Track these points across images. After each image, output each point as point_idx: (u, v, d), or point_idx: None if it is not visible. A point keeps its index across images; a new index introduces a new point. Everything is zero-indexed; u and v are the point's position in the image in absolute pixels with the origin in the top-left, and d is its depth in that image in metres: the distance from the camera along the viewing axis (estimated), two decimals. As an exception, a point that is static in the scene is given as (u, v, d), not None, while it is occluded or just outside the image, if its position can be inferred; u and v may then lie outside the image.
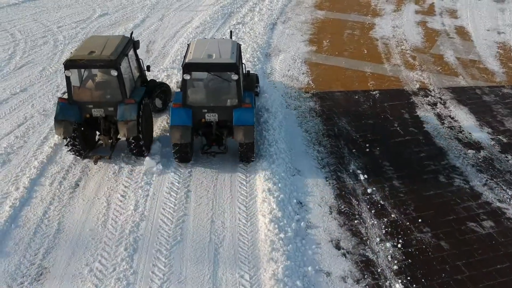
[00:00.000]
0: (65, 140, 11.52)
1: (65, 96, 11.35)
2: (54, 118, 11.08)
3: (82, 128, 11.53)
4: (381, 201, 10.57)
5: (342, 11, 23.59)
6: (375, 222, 9.97)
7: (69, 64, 10.85)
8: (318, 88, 15.75)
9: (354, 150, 12.41)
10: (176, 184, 11.01)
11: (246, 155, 11.38)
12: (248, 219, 9.95)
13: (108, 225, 9.76)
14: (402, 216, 10.16)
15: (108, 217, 10.00)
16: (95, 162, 11.56)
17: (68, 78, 10.98)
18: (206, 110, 10.99)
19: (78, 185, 11.04)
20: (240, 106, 10.96)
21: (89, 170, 11.51)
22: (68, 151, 11.70)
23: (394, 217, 10.15)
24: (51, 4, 24.59)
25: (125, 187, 10.93)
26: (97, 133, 11.98)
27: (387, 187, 11.04)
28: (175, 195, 10.66)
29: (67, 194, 10.73)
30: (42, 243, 9.33)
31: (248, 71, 13.50)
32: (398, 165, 11.79)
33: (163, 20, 22.11)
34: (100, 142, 12.02)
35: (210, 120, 11.10)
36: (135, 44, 12.56)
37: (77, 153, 11.72)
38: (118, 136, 11.56)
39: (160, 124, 13.43)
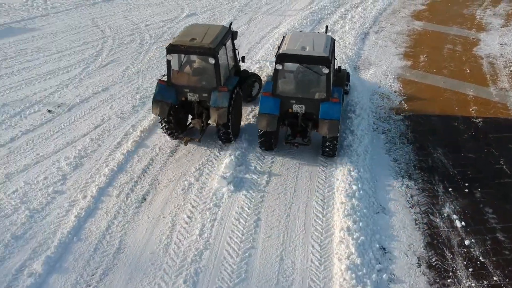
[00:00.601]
0: (160, 120, 12.11)
1: (165, 78, 11.87)
2: (153, 98, 11.67)
3: (177, 111, 12.03)
4: (481, 258, 8.97)
5: (443, 23, 21.55)
6: (473, 285, 8.42)
7: (171, 49, 11.43)
8: (411, 110, 14.18)
9: (450, 189, 10.81)
10: (246, 209, 10.11)
11: (329, 150, 11.40)
12: (322, 261, 8.82)
13: (170, 250, 9.06)
14: (507, 280, 8.52)
15: (171, 240, 9.30)
16: (185, 144, 12.04)
17: (168, 62, 11.56)
18: (294, 101, 11.15)
19: (145, 199, 10.48)
20: (327, 100, 10.97)
21: (158, 184, 10.94)
22: (162, 129, 12.27)
23: (496, 280, 8.54)
24: (142, 1, 24.80)
25: (193, 207, 10.21)
26: (190, 116, 12.56)
27: (489, 240, 9.39)
28: (244, 222, 9.77)
29: (132, 208, 10.20)
30: (101, 262, 8.81)
31: (340, 66, 13.37)
32: (504, 214, 10.07)
33: (250, 23, 21.42)
34: (191, 125, 12.39)
35: (297, 111, 11.25)
36: (233, 35, 12.83)
37: (169, 133, 12.28)
38: (209, 121, 12.03)
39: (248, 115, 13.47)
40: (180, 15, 22.69)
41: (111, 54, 18.24)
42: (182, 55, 11.90)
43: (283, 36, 12.40)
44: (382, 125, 13.39)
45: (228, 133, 11.84)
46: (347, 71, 14.30)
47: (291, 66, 11.59)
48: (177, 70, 11.89)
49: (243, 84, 13.40)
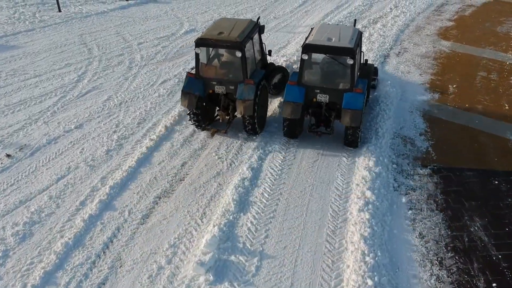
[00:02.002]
0: (188, 111, 12.37)
1: (193, 71, 12.21)
2: (181, 90, 12.04)
3: (204, 103, 12.33)
4: None
5: (474, 43, 18.91)
6: None
7: (199, 42, 11.72)
8: (440, 161, 11.68)
9: (495, 285, 8.31)
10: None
11: (351, 139, 11.67)
12: None
13: None
14: None
15: None
16: (212, 135, 12.54)
17: (197, 55, 11.85)
18: (318, 91, 11.45)
19: (101, 292, 8.20)
20: (351, 91, 11.17)
21: (120, 266, 8.66)
22: (190, 121, 12.60)
23: None
24: (139, 14, 22.65)
25: (159, 306, 7.90)
26: (217, 108, 12.87)
27: None
28: None
29: (82, 307, 7.92)
30: None
31: (366, 60, 13.39)
32: None
33: (254, 43, 19.04)
34: (218, 117, 12.69)
35: (321, 100, 11.54)
36: (260, 29, 13.07)
37: (197, 125, 12.60)
38: (236, 114, 12.41)
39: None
40: (178, 31, 20.44)
41: (94, 79, 16.06)
42: (210, 49, 12.18)
43: (311, 28, 12.77)
44: (405, 183, 10.92)
45: (254, 125, 12.13)
46: (375, 66, 14.40)
47: (317, 56, 11.90)
48: (205, 63, 12.23)
49: (271, 78, 13.76)
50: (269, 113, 13.48)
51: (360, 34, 12.33)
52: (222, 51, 12.65)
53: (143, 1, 24.60)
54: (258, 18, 13.78)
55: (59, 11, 22.82)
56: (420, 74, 16.31)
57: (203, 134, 12.76)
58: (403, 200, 10.34)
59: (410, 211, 10.02)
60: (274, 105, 14.05)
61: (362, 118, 11.48)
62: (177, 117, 13.49)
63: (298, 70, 11.71)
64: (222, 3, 24.31)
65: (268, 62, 14.11)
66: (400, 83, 15.57)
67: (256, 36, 12.85)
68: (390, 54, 17.88)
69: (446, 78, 16.06)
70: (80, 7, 23.77)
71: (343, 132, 11.87)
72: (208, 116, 12.82)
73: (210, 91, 12.17)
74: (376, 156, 11.50)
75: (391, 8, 22.78)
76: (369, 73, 13.07)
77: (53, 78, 16.08)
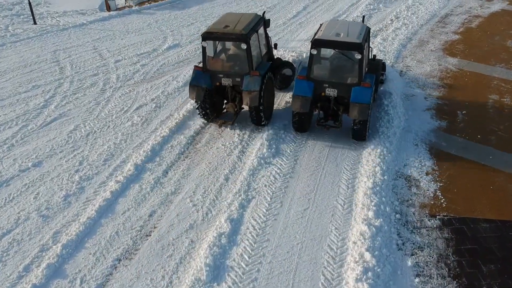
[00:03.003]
0: (196, 104, 12.71)
1: (200, 64, 12.43)
2: (189, 83, 12.36)
3: (212, 95, 12.59)
4: None
5: (483, 61, 17.26)
6: None
7: (206, 36, 12.01)
8: (451, 209, 10.04)
9: None
10: None
11: (359, 133, 11.87)
12: None
13: None
14: None
15: None
16: (220, 126, 12.87)
17: (204, 49, 12.09)
18: (327, 85, 11.64)
19: None
20: (359, 85, 11.36)
21: None
22: (198, 114, 12.91)
23: None
24: (120, 27, 21.00)
25: None
26: (225, 102, 13.07)
27: None
28: None
29: None
30: None
31: (374, 55, 13.65)
32: None
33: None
34: (226, 109, 12.99)
35: (330, 94, 11.74)
36: (265, 23, 13.35)
37: (205, 117, 12.88)
38: (242, 106, 12.69)
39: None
40: (160, 46, 18.80)
41: (62, 104, 14.43)
42: (217, 42, 12.40)
43: (320, 24, 12.90)
44: (410, 239, 9.26)
45: (260, 116, 12.33)
46: (383, 61, 14.45)
47: (325, 51, 12.12)
48: (212, 56, 12.43)
49: (276, 71, 14.03)
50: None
51: (368, 30, 12.59)
52: (228, 44, 12.96)
53: (125, 12, 22.97)
54: (264, 12, 14.28)
55: (34, 23, 21.20)
56: (425, 98, 14.65)
57: (177, 175, 11.13)
58: (409, 263, 8.69)
59: (417, 279, 8.37)
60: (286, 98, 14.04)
61: (370, 112, 11.70)
62: (149, 152, 11.86)
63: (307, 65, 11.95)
64: (210, 14, 22.68)
65: (275, 57, 14.43)
66: (403, 109, 13.90)
67: (261, 30, 13.13)
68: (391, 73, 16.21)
69: (454, 102, 14.41)
70: (57, 19, 22.13)
71: (351, 126, 12.00)
72: (216, 108, 13.07)
73: (217, 84, 12.44)
74: (377, 204, 9.86)
75: (391, 20, 21.15)
76: (377, 68, 13.14)
77: (17, 103, 14.44)
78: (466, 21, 21.42)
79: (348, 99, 11.55)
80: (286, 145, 12.18)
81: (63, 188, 10.70)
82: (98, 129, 13.10)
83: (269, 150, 11.84)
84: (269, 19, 13.62)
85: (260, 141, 12.25)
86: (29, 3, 20.88)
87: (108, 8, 23.16)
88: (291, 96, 12.23)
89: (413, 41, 19.04)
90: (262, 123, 12.56)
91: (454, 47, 18.44)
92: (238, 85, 12.28)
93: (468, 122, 13.31)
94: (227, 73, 12.34)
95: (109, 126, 13.24)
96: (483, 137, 12.61)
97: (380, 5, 23.02)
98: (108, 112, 14.00)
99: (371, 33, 18.66)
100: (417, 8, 22.93)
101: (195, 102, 12.61)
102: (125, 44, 19.10)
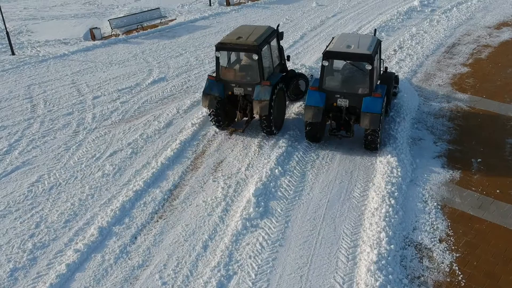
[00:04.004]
0: (208, 112, 13.04)
1: (214, 74, 12.82)
2: (203, 92, 12.70)
3: (224, 104, 12.88)
4: None
5: (496, 97, 15.71)
6: None
7: (219, 46, 12.43)
8: (471, 289, 8.35)
9: None
10: None
11: (371, 142, 11.98)
12: None
13: None
14: None
15: None
16: (230, 134, 13.18)
17: (217, 59, 12.50)
18: (338, 96, 11.88)
19: None
20: (370, 95, 11.61)
21: None
22: (210, 121, 13.18)
23: None
24: (103, 57, 19.60)
25: None
26: (236, 109, 13.14)
27: None
28: None
29: None
30: None
31: (386, 67, 13.68)
32: None
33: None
34: (238, 118, 13.18)
35: (341, 105, 11.94)
36: (278, 35, 13.65)
37: (217, 124, 13.15)
38: (253, 115, 12.96)
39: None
40: (144, 80, 17.33)
41: (28, 150, 12.91)
42: (230, 53, 12.88)
43: (332, 37, 13.39)
44: (423, 333, 7.55)
45: (270, 125, 12.60)
46: (396, 74, 14.73)
47: (337, 63, 12.39)
48: (225, 66, 12.82)
49: (290, 82, 14.27)
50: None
51: (379, 42, 12.70)
52: (240, 54, 13.39)
53: (111, 42, 21.59)
54: (278, 25, 14.77)
55: (12, 54, 19.85)
56: (434, 142, 13.06)
57: (147, 241, 9.50)
58: None
59: None
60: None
61: (381, 122, 11.83)
62: (117, 212, 10.29)
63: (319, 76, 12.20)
64: (201, 44, 21.29)
65: (289, 69, 14.72)
66: (410, 156, 12.31)
67: (274, 42, 13.51)
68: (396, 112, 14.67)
69: (467, 147, 12.80)
70: (38, 49, 20.78)
71: (363, 136, 12.21)
72: (228, 116, 13.34)
73: (229, 93, 12.81)
74: (383, 285, 8.18)
75: (395, 50, 19.68)
76: (389, 80, 13.29)
77: (-22, 148, 12.91)
78: (475, 51, 19.95)
79: (359, 109, 11.73)
80: (276, 202, 10.58)
81: (12, 259, 9.10)
82: (63, 181, 11.53)
83: (257, 208, 10.25)
84: (282, 32, 14.09)
85: (247, 197, 10.67)
86: (7, 32, 19.53)
87: (93, 37, 21.82)
88: (302, 107, 12.73)
89: (418, 74, 17.53)
90: (273, 132, 12.88)
91: (464, 81, 16.91)
92: (250, 94, 12.63)
93: (485, 173, 11.68)
94: (239, 82, 12.73)
95: (76, 177, 11.67)
96: (503, 191, 10.97)
97: (383, 33, 21.62)
98: (78, 159, 12.44)
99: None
100: (421, 37, 21.50)
101: (208, 110, 13.07)
102: (106, 77, 17.65)
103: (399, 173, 11.37)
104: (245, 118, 13.27)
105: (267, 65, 12.84)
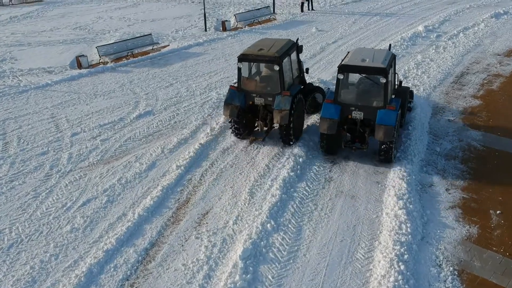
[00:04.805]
0: (229, 121, 13.64)
1: (235, 84, 13.46)
2: (224, 101, 13.17)
3: (245, 113, 13.42)
4: None
5: (513, 134, 14.32)
6: None
7: (241, 58, 13.07)
8: None
9: None
10: None
11: (385, 154, 12.20)
12: None
13: None
14: None
15: None
16: (251, 142, 13.59)
17: (239, 69, 13.15)
18: (353, 108, 12.19)
19: None
20: (384, 108, 11.87)
21: None
22: (230, 129, 13.82)
23: None
24: (88, 88, 18.40)
25: None
26: (256, 119, 13.66)
27: None
28: None
29: None
30: None
31: (401, 81, 13.91)
32: None
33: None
34: (257, 128, 13.72)
35: (356, 117, 12.25)
36: (298, 48, 14.23)
37: (237, 133, 13.71)
38: (273, 124, 13.54)
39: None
40: (129, 114, 16.05)
41: (-8, 197, 11.49)
42: (251, 64, 13.42)
43: (348, 52, 13.63)
44: None
45: (289, 134, 12.95)
46: (410, 89, 15.03)
47: (352, 76, 12.70)
48: (246, 77, 13.32)
49: (308, 95, 14.58)
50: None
51: (393, 57, 13.05)
52: (261, 65, 13.81)
53: (98, 70, 20.39)
54: (297, 39, 15.21)
55: (-8, 84, 18.60)
56: (446, 189, 11.65)
57: (113, 320, 8.04)
58: None
59: None
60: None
61: (396, 134, 12.06)
62: (82, 279, 8.89)
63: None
64: (193, 73, 20.07)
65: (307, 82, 15.20)
66: (420, 207, 10.89)
67: (294, 54, 13.99)
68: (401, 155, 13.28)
69: (484, 196, 11.38)
70: (20, 78, 19.58)
71: (377, 149, 12.44)
72: (249, 126, 13.76)
73: (250, 103, 13.24)
74: None
75: (400, 81, 18.35)
76: (403, 94, 13.58)
77: None
78: (485, 81, 18.65)
79: (374, 121, 11.96)
80: (267, 266, 9.14)
81: None
82: (26, 237, 10.13)
83: (244, 276, 8.82)
84: (302, 45, 14.59)
85: (233, 260, 9.25)
86: (-14, 62, 18.38)
87: (79, 66, 20.63)
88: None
89: (426, 108, 16.15)
90: (291, 142, 13.18)
91: (476, 116, 15.55)
92: (270, 104, 13.04)
93: (507, 229, 10.23)
94: (260, 92, 13.13)
95: (41, 232, 10.28)
96: (528, 252, 9.50)
97: (386, 61, 20.37)
98: (46, 209, 11.06)
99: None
100: (427, 65, 20.25)
101: (229, 119, 13.48)
102: (89, 111, 16.37)
103: (408, 229, 9.95)
104: (265, 128, 13.65)
105: (287, 76, 13.24)
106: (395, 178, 11.84)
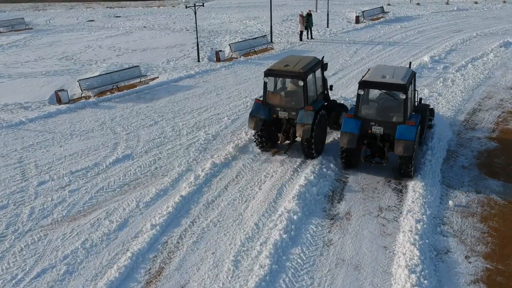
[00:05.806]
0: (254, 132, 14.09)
1: (261, 98, 13.94)
2: (250, 114, 13.77)
3: (269, 126, 13.95)
4: None
5: (537, 185, 12.56)
6: None
7: (268, 73, 13.71)
8: None
9: None
10: None
11: (405, 169, 12.46)
12: None
13: None
14: None
15: None
16: (273, 154, 14.02)
17: (265, 84, 13.73)
18: (373, 123, 12.53)
19: None
20: (404, 123, 12.13)
21: None
22: (254, 141, 14.23)
23: None
24: (64, 126, 16.88)
25: None
26: (279, 132, 13.96)
27: None
28: None
29: None
30: None
31: (420, 98, 14.54)
32: None
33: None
34: (280, 141, 13.92)
35: (376, 132, 12.56)
36: (323, 66, 14.72)
37: (260, 145, 14.17)
38: (296, 138, 13.85)
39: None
40: (106, 158, 14.42)
41: None
42: (277, 79, 14.02)
43: (368, 69, 14.34)
44: None
45: (311, 148, 13.41)
46: (431, 107, 15.47)
47: (372, 92, 13.07)
48: (271, 91, 13.90)
49: (331, 112, 14.99)
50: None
51: (413, 74, 13.43)
52: (287, 81, 14.21)
53: (78, 106, 18.85)
54: (323, 57, 15.36)
55: (-39, 122, 17.02)
56: (465, 256, 9.89)
57: None
58: None
59: None
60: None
61: (415, 149, 12.17)
62: None
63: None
64: (181, 109, 18.49)
65: (331, 99, 15.60)
66: (436, 281, 9.11)
67: (318, 71, 14.36)
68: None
69: (510, 267, 9.58)
70: (-8, 115, 18.01)
71: (397, 164, 12.55)
72: (272, 138, 14.15)
73: (274, 116, 13.71)
74: None
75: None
76: (423, 111, 13.84)
77: None
78: (500, 119, 17.03)
79: (393, 136, 12.18)
80: None
81: None
82: (-39, 322, 8.34)
83: None
84: (327, 63, 14.99)
85: None
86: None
87: (59, 101, 19.10)
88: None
89: (437, 151, 14.47)
90: (313, 156, 13.52)
91: (493, 162, 13.86)
92: (293, 118, 13.46)
93: (542, 312, 8.41)
94: (284, 107, 13.66)
95: (-20, 316, 8.49)
96: None
97: (390, 96, 18.78)
98: (-10, 284, 9.30)
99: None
100: (436, 100, 18.67)
101: (253, 131, 13.99)
102: (61, 154, 14.74)
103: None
104: (287, 141, 13.92)
105: (311, 92, 13.71)
106: (405, 242, 10.11)
